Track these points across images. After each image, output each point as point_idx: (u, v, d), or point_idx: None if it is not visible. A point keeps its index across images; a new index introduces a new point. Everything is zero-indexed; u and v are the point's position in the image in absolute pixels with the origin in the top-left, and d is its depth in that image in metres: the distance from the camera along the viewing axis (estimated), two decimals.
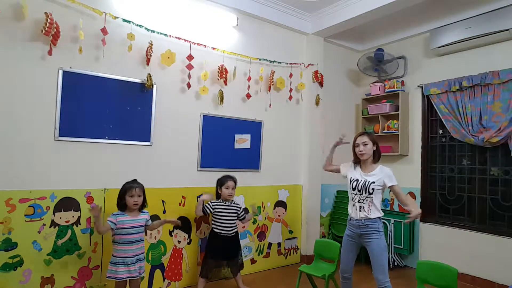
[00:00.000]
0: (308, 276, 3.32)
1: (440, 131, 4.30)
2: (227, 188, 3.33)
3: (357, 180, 2.75)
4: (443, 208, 4.23)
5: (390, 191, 4.56)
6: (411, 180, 4.45)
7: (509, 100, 3.56)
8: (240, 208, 3.44)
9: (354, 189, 2.76)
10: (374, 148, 2.73)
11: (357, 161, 2.83)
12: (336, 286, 3.29)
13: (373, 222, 2.64)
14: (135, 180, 2.77)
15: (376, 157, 2.77)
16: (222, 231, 3.30)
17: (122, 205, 2.70)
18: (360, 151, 2.71)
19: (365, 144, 2.70)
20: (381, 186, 2.67)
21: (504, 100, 3.60)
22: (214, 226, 3.34)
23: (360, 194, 2.70)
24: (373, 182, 2.66)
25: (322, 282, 3.17)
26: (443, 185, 4.24)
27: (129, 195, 2.66)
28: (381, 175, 2.69)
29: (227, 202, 3.37)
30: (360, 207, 2.69)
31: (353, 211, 2.75)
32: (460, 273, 3.38)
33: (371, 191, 2.66)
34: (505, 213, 3.68)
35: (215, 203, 3.36)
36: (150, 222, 2.81)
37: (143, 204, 2.77)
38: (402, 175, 4.56)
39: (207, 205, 3.33)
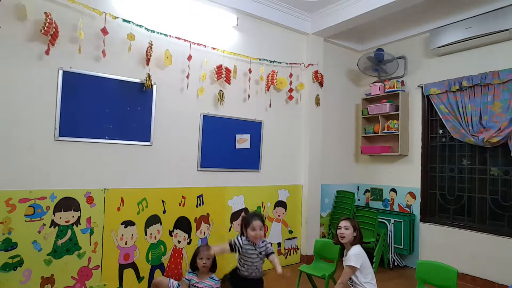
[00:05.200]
0: (308, 276, 3.32)
1: (440, 131, 4.30)
2: (253, 230, 2.69)
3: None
4: (443, 208, 4.23)
5: (390, 190, 4.64)
6: (411, 180, 4.45)
7: (509, 100, 3.56)
8: (268, 245, 2.79)
9: None
10: (355, 234, 2.74)
11: (337, 242, 2.85)
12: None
13: None
14: (206, 244, 2.97)
15: (356, 241, 2.74)
16: (246, 274, 2.77)
17: (194, 267, 2.92)
18: (341, 233, 2.75)
19: (347, 229, 2.74)
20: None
21: (504, 100, 3.59)
22: (239, 265, 2.83)
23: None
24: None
25: (322, 282, 3.17)
26: (443, 185, 4.24)
27: (199, 258, 2.87)
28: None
29: (255, 245, 2.74)
30: None
31: None
32: (460, 273, 3.38)
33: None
34: (505, 213, 3.67)
35: (245, 243, 2.76)
36: None
37: (213, 267, 2.92)
38: (402, 175, 4.59)
39: (235, 241, 2.75)
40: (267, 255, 2.78)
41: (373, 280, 2.63)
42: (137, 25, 3.21)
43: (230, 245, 2.77)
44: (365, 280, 2.60)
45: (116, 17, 3.10)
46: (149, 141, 3.34)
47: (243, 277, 2.78)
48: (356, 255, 2.62)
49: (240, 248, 2.74)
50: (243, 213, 3.03)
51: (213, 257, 2.88)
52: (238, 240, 2.75)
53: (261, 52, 4.15)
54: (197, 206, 3.60)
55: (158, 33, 3.33)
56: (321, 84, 4.58)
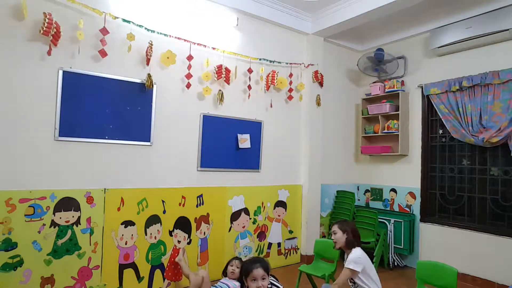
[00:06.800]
0: (308, 276, 3.32)
1: (440, 131, 4.30)
2: (254, 280, 2.20)
3: None
4: (443, 208, 4.23)
5: (390, 190, 4.64)
6: (411, 180, 4.45)
7: (509, 100, 3.56)
8: None
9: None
10: (346, 236, 2.62)
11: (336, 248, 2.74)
12: None
13: None
14: (237, 258, 3.06)
15: (350, 244, 2.61)
16: None
17: (225, 273, 3.01)
18: (332, 239, 2.68)
19: (334, 233, 2.65)
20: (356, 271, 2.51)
21: (504, 100, 3.59)
22: None
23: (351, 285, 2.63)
24: None
25: (322, 282, 3.17)
26: (443, 185, 4.24)
27: (230, 265, 2.97)
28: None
29: None
30: None
31: None
32: (460, 273, 3.37)
33: (352, 281, 2.58)
34: (505, 213, 3.67)
35: None
36: None
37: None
38: (402, 175, 4.59)
39: None
40: None
41: (377, 282, 2.56)
42: (137, 25, 3.21)
43: None
44: (371, 285, 2.52)
45: (116, 17, 3.10)
46: (149, 141, 3.34)
47: None
48: (356, 259, 2.51)
49: None
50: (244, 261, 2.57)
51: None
52: None
53: (261, 52, 4.15)
54: (197, 206, 3.61)
55: (158, 33, 3.33)
56: (321, 84, 4.58)
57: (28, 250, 2.70)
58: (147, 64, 3.27)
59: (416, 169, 4.42)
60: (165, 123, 3.44)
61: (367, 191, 5.04)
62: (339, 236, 2.64)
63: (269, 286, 2.29)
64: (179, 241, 3.49)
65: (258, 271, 2.20)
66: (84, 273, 2.95)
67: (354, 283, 2.58)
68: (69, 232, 2.89)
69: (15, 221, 2.66)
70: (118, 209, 3.13)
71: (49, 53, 2.78)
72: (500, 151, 3.74)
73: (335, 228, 2.68)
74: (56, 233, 2.83)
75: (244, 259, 3.60)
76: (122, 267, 3.15)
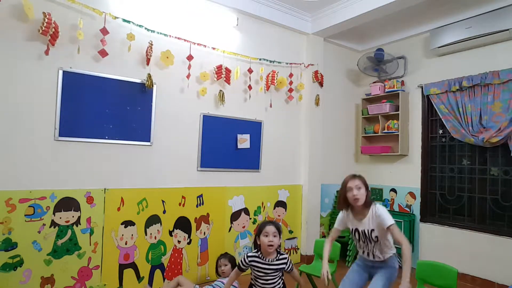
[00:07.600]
0: (308, 276, 3.32)
1: (440, 131, 4.30)
2: (266, 236, 2.44)
3: (357, 230, 2.53)
4: (443, 208, 4.23)
5: (390, 190, 4.63)
6: (411, 180, 4.45)
7: (509, 100, 3.56)
8: (286, 261, 2.51)
9: (358, 240, 2.55)
10: (366, 193, 2.43)
11: (346, 206, 2.52)
12: (336, 286, 3.28)
13: (388, 260, 2.58)
14: (222, 255, 3.15)
15: (369, 202, 2.47)
16: None
17: (218, 273, 3.12)
18: (353, 195, 2.38)
19: (359, 188, 2.39)
20: (382, 230, 2.45)
21: (504, 100, 3.59)
22: (252, 283, 2.57)
23: (366, 245, 2.53)
24: (373, 230, 2.46)
25: (322, 282, 3.16)
26: (443, 185, 4.24)
27: (218, 266, 3.06)
28: (376, 219, 2.44)
29: (267, 259, 2.45)
30: (372, 254, 2.55)
31: (364, 255, 2.59)
32: (460, 273, 3.38)
33: (375, 239, 2.48)
34: (505, 213, 3.67)
35: (252, 255, 2.51)
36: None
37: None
38: (402, 175, 4.59)
39: (242, 260, 2.52)
40: (288, 272, 2.54)
41: None
42: (137, 25, 3.21)
43: (239, 266, 2.54)
44: (389, 243, 2.53)
45: (116, 17, 3.10)
46: (149, 141, 3.34)
47: None
48: (388, 213, 2.41)
49: (245, 263, 2.48)
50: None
51: (231, 263, 2.94)
52: (244, 256, 2.51)
53: (261, 52, 4.15)
54: (197, 206, 3.61)
55: (158, 33, 3.33)
56: (321, 84, 4.58)
57: (28, 250, 2.70)
58: (147, 64, 3.27)
59: (416, 169, 4.42)
60: (165, 123, 3.44)
61: None
62: (363, 192, 2.38)
63: (278, 249, 2.50)
64: (179, 241, 3.49)
65: (271, 227, 2.44)
66: (84, 273, 2.96)
67: (377, 241, 2.46)
68: (69, 232, 2.89)
69: (15, 221, 2.66)
70: (118, 209, 3.13)
71: (46, 52, 2.77)
72: (500, 151, 3.74)
73: (357, 182, 2.39)
74: (56, 233, 2.83)
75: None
76: (122, 267, 3.15)
